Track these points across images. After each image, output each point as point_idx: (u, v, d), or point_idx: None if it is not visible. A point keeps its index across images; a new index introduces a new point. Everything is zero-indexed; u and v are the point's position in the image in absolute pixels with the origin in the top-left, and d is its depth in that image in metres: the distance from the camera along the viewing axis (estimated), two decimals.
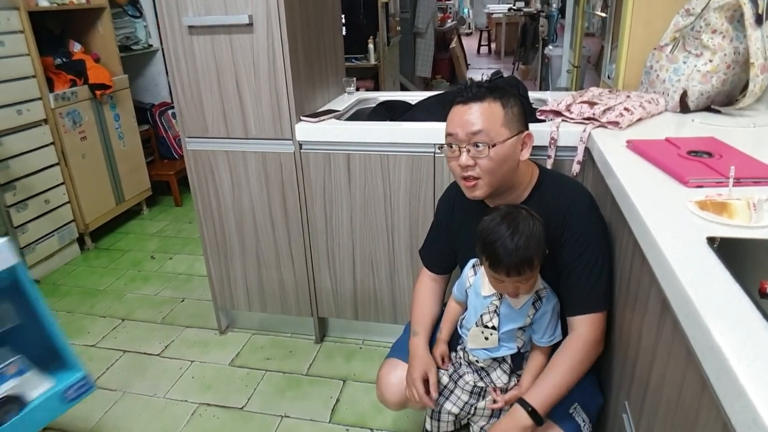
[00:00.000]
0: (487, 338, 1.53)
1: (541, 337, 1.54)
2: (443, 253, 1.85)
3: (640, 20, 2.39)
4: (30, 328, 0.88)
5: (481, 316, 1.54)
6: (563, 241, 1.52)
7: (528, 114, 1.59)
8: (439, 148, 1.59)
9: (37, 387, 0.79)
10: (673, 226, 1.13)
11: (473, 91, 1.51)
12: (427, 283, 1.88)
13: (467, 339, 1.60)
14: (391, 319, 2.67)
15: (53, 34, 4.13)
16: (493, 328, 1.52)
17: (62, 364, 0.85)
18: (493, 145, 1.47)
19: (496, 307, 1.52)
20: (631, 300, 1.35)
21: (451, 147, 1.54)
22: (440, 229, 1.85)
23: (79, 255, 4.07)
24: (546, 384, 1.47)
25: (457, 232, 1.78)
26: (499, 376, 1.60)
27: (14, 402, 0.81)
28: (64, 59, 3.99)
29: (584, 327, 1.50)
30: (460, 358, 1.69)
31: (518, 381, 1.58)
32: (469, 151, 1.49)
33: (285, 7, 2.18)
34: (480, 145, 1.47)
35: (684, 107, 2.11)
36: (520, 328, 1.53)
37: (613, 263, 1.55)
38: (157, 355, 2.87)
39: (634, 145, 1.66)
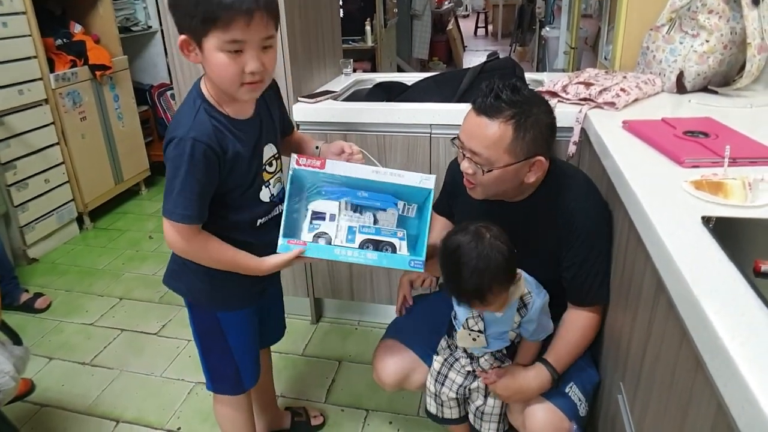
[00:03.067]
0: (474, 339, 1.52)
1: (530, 335, 1.54)
2: (447, 212, 1.87)
3: (636, 1, 2.38)
4: (418, 222, 1.53)
5: (467, 320, 1.52)
6: (569, 240, 1.51)
7: (550, 136, 1.47)
8: (451, 141, 1.56)
9: (401, 249, 1.47)
10: (668, 206, 1.13)
11: (489, 103, 1.40)
12: (439, 218, 1.87)
13: (457, 338, 1.57)
14: (387, 299, 2.68)
15: (54, 16, 4.14)
16: (479, 331, 1.51)
17: (416, 249, 1.47)
18: (489, 171, 1.42)
19: (480, 312, 1.49)
20: (626, 280, 1.36)
21: (460, 147, 1.51)
22: (444, 192, 1.85)
23: (78, 234, 4.08)
24: (559, 347, 1.54)
25: (455, 199, 1.77)
26: (487, 359, 1.60)
27: (392, 247, 1.45)
28: (64, 40, 3.99)
29: (586, 318, 1.55)
30: (453, 342, 1.68)
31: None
32: (470, 159, 1.47)
33: None
34: (477, 163, 1.44)
35: (681, 88, 2.12)
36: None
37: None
38: (155, 334, 2.89)
39: (630, 126, 1.67)
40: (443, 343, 1.72)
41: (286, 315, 1.96)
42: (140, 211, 4.48)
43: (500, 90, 1.40)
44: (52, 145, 3.74)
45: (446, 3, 9.84)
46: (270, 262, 1.48)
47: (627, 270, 1.36)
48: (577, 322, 1.56)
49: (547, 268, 1.56)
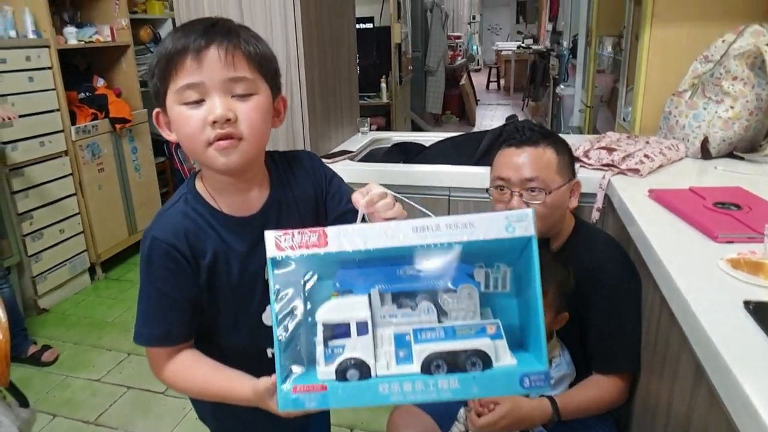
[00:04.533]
0: None
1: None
2: None
3: (656, 65, 2.39)
4: (519, 301, 0.86)
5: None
6: (593, 301, 1.48)
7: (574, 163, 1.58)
8: (486, 191, 1.54)
9: (501, 358, 0.76)
10: (705, 287, 1.09)
11: (527, 135, 1.49)
12: None
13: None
14: None
15: (79, 70, 4.25)
16: None
17: (528, 349, 0.81)
18: (549, 192, 1.45)
19: None
20: (659, 359, 1.31)
21: (502, 189, 1.51)
22: None
23: (89, 285, 4.06)
24: (571, 396, 1.46)
25: None
26: None
27: (483, 358, 0.81)
28: (87, 93, 4.08)
29: (609, 383, 1.47)
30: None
31: None
32: (521, 195, 1.47)
33: (304, 52, 2.19)
34: (536, 191, 1.45)
35: (705, 153, 2.09)
36: None
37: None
38: (161, 393, 2.83)
39: (656, 195, 1.64)
40: (462, 412, 1.66)
41: None
42: None
43: (528, 127, 1.53)
44: (69, 196, 3.77)
45: (459, 58, 9.98)
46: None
47: (660, 348, 1.31)
48: (598, 381, 1.49)
49: (572, 331, 1.51)
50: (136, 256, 4.49)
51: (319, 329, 0.84)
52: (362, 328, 0.84)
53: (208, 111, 0.99)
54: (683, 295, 1.07)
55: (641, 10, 2.44)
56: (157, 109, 1.07)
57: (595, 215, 1.96)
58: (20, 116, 3.34)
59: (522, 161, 1.47)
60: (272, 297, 0.84)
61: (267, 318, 1.15)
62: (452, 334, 0.83)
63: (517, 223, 0.82)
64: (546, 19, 11.63)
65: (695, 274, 1.15)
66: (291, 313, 0.86)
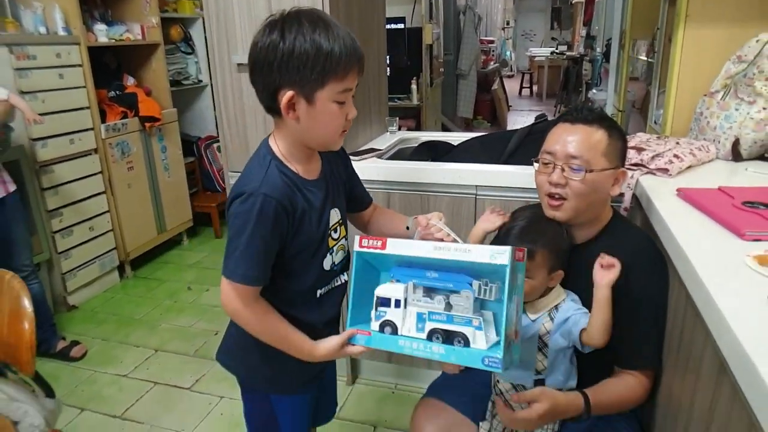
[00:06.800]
0: None
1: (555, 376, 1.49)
2: None
3: (688, 67, 2.35)
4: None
5: None
6: (620, 294, 1.44)
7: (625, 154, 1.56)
8: (534, 161, 1.55)
9: (477, 342, 1.21)
10: (731, 283, 1.07)
11: (583, 114, 1.49)
12: None
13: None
14: (425, 363, 2.60)
15: (109, 68, 4.31)
16: None
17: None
18: (590, 171, 1.44)
19: None
20: (683, 357, 1.28)
21: (546, 164, 1.51)
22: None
23: (118, 283, 4.12)
24: (602, 392, 1.44)
25: None
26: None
27: (465, 339, 1.22)
28: (117, 92, 4.12)
29: (634, 381, 1.46)
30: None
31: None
32: (563, 170, 1.46)
33: None
34: (577, 168, 1.45)
35: (736, 155, 2.05)
36: (539, 350, 1.48)
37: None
38: (188, 389, 2.86)
39: (684, 194, 1.61)
40: (491, 406, 1.65)
41: None
42: (181, 262, 4.51)
43: (587, 108, 1.52)
44: (98, 194, 3.82)
45: (492, 63, 9.94)
46: (323, 349, 1.37)
47: (684, 345, 1.28)
48: (625, 380, 1.47)
49: None
50: (165, 255, 4.58)
51: (375, 300, 1.32)
52: (398, 304, 1.30)
53: (347, 110, 1.29)
54: (708, 290, 1.05)
55: (675, 11, 2.40)
56: (291, 92, 1.22)
57: (624, 216, 1.93)
58: (50, 113, 3.37)
59: (571, 138, 1.47)
60: (353, 274, 1.35)
61: (327, 263, 1.43)
62: (450, 320, 1.25)
63: (498, 254, 1.19)
64: (580, 25, 11.57)
65: (721, 270, 1.13)
66: (362, 284, 1.35)
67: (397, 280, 1.34)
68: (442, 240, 1.44)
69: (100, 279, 3.95)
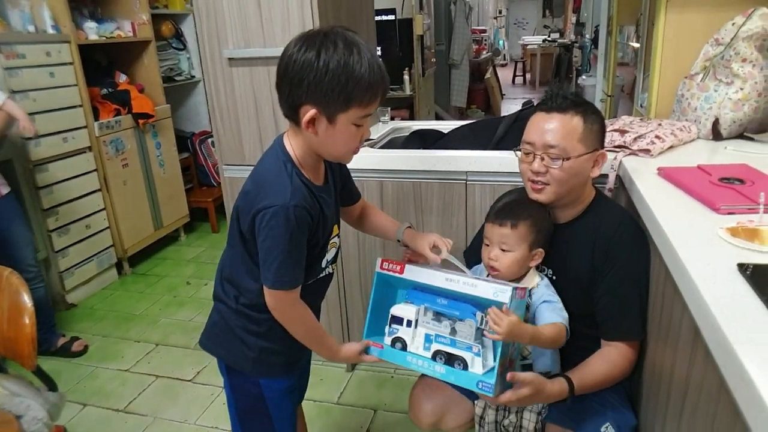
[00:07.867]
0: None
1: (542, 360, 1.55)
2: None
3: (670, 50, 2.39)
4: None
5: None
6: (603, 269, 1.52)
7: (604, 134, 1.59)
8: (516, 151, 1.61)
9: (474, 367, 1.37)
10: (703, 253, 1.12)
11: (557, 102, 1.53)
12: None
13: None
14: None
15: (100, 66, 4.30)
16: None
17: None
18: (567, 159, 1.49)
19: None
20: (664, 328, 1.33)
21: (527, 153, 1.57)
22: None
23: (117, 279, 4.14)
24: (585, 373, 1.49)
25: None
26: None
27: (464, 363, 1.37)
28: (109, 89, 4.12)
29: (617, 354, 1.51)
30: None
31: None
32: (543, 159, 1.52)
33: None
34: (554, 156, 1.50)
35: (716, 135, 2.10)
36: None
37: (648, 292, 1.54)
38: (189, 381, 2.90)
39: (665, 173, 1.66)
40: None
41: (321, 363, 1.95)
42: (179, 257, 4.54)
43: (562, 94, 1.56)
44: (94, 192, 3.83)
45: (484, 52, 9.95)
46: (346, 353, 1.54)
47: (664, 318, 1.33)
48: (607, 354, 1.53)
49: (582, 299, 1.56)
50: (163, 251, 4.61)
51: (390, 317, 1.50)
52: (409, 324, 1.47)
53: (364, 131, 1.35)
54: (682, 261, 1.10)
55: None
56: (314, 110, 1.27)
57: (607, 196, 1.98)
58: (42, 112, 3.38)
59: (547, 127, 1.52)
60: (373, 290, 1.58)
61: (323, 262, 1.53)
62: (453, 344, 1.40)
63: (501, 294, 1.33)
64: (571, 12, 11.57)
65: (695, 243, 1.18)
66: (379, 302, 1.57)
67: (411, 302, 1.51)
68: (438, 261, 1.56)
69: (98, 276, 3.97)
